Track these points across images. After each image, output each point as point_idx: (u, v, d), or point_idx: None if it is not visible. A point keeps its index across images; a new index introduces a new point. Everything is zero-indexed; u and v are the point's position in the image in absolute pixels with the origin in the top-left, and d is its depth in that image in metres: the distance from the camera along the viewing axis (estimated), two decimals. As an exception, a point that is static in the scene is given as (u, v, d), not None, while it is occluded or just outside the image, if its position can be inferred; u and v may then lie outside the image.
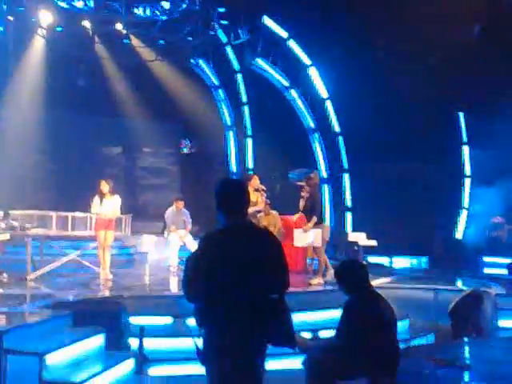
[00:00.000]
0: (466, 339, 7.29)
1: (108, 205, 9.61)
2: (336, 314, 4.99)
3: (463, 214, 15.82)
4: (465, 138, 16.01)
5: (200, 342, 3.57)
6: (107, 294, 8.52)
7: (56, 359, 5.25)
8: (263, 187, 10.39)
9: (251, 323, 3.47)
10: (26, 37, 14.89)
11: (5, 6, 13.87)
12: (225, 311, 3.48)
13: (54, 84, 14.76)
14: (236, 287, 3.48)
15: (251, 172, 16.33)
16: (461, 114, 15.89)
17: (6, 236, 9.68)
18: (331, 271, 9.33)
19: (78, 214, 9.90)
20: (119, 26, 15.05)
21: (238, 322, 3.46)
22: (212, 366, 3.54)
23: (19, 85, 14.84)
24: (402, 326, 7.45)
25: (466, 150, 16.03)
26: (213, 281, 3.50)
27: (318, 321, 7.28)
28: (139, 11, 14.90)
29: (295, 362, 5.02)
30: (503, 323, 8.25)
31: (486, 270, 12.70)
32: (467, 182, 15.95)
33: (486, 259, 13.43)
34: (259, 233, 3.82)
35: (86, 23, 14.90)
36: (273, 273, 3.58)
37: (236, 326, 3.46)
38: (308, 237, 9.65)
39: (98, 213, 9.57)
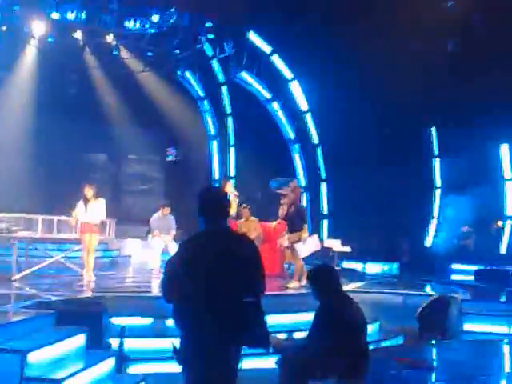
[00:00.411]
0: (432, 341, 7.35)
1: (92, 209, 9.53)
2: (310, 316, 4.99)
3: (433, 223, 15.98)
4: (436, 152, 16.19)
5: (177, 342, 3.56)
6: (90, 294, 8.45)
7: (38, 357, 5.18)
8: (236, 193, 10.42)
9: (226, 325, 3.47)
10: (18, 46, 14.79)
11: (-2, 17, 13.79)
12: (200, 313, 3.47)
13: (45, 92, 14.69)
14: (212, 290, 3.48)
15: (232, 180, 16.39)
16: (433, 129, 16.07)
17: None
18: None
19: (63, 217, 9.80)
20: (109, 38, 15.02)
21: (213, 323, 3.45)
22: (188, 366, 3.55)
23: (11, 92, 14.73)
24: (372, 328, 7.49)
25: (437, 162, 16.21)
26: (189, 283, 3.50)
27: (292, 323, 7.28)
28: (129, 24, 14.89)
29: (269, 362, 5.01)
30: (468, 327, 8.34)
31: (454, 277, 12.80)
32: (437, 192, 16.11)
33: (454, 266, 13.56)
34: (237, 238, 3.84)
35: (78, 34, 14.85)
36: (250, 277, 3.59)
37: (211, 328, 3.45)
38: (309, 245, 9.66)
39: (78, 217, 9.47)
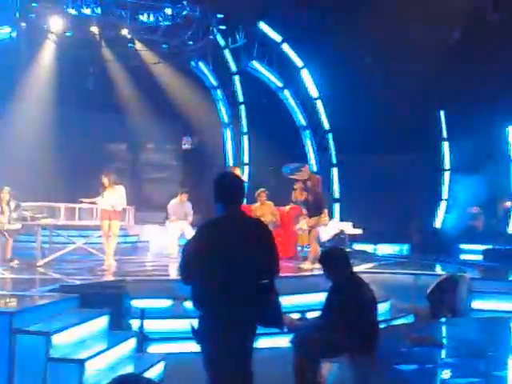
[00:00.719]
0: (442, 320, 7.31)
1: (110, 196, 9.55)
2: (322, 296, 4.99)
3: (442, 205, 15.84)
4: (445, 135, 16.01)
5: (195, 322, 3.58)
6: (111, 278, 8.51)
7: (63, 339, 5.22)
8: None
9: (242, 306, 3.49)
10: (37, 41, 14.83)
11: (18, 14, 13.80)
12: (217, 294, 3.49)
13: (64, 85, 14.71)
14: (228, 272, 3.49)
15: (247, 165, 16.44)
16: (442, 112, 15.88)
17: (18, 226, 9.68)
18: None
19: (84, 205, 9.88)
20: (124, 31, 15.00)
21: (229, 304, 3.48)
22: (206, 346, 3.57)
23: (31, 86, 14.79)
24: (383, 307, 7.48)
25: (445, 145, 16.03)
26: (206, 266, 3.52)
27: (305, 303, 7.28)
28: (143, 17, 14.89)
29: (284, 341, 5.01)
30: (476, 305, 8.28)
31: (463, 257, 12.72)
32: (446, 175, 15.96)
33: (463, 246, 13.46)
34: (251, 222, 3.85)
35: (94, 29, 14.85)
36: (264, 259, 3.61)
37: (228, 309, 3.48)
38: (330, 229, 9.74)
39: (97, 203, 9.53)
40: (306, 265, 9.51)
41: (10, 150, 13.98)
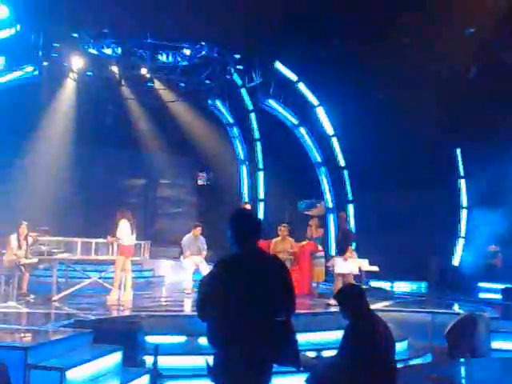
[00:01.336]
0: (461, 359, 7.13)
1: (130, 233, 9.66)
2: (338, 334, 4.91)
3: (460, 243, 15.66)
4: (461, 172, 15.94)
5: (211, 359, 3.55)
6: (125, 314, 8.48)
7: (77, 374, 5.20)
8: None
9: (258, 344, 3.45)
10: (58, 80, 15.21)
11: (40, 53, 14.23)
12: (233, 332, 3.46)
13: (84, 122, 15.00)
14: (245, 309, 3.47)
15: (262, 201, 16.48)
16: (458, 150, 15.86)
17: (35, 260, 9.74)
18: None
19: (100, 239, 9.94)
20: (144, 71, 15.35)
21: (245, 342, 3.44)
22: (221, 383, 3.53)
23: (52, 122, 15.10)
24: (401, 346, 7.33)
25: (462, 183, 15.95)
26: (222, 304, 3.50)
27: (321, 341, 7.17)
28: (162, 57, 15.24)
29: (299, 380, 4.92)
30: (496, 345, 8.08)
31: (482, 295, 12.48)
32: (464, 212, 15.82)
33: (482, 285, 13.22)
34: (269, 259, 3.84)
35: (114, 68, 15.22)
36: (281, 297, 3.59)
37: (243, 347, 3.44)
38: (349, 265, 9.84)
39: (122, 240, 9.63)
40: (333, 300, 9.44)
41: (29, 185, 14.19)
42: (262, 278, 3.54)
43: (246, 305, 3.46)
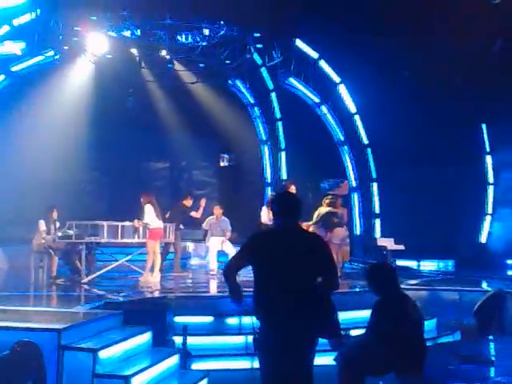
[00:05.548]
0: (489, 337, 7.11)
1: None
2: (366, 313, 4.93)
3: (487, 220, 15.48)
4: (487, 148, 15.70)
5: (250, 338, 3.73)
6: (154, 295, 8.61)
7: (108, 355, 5.31)
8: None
9: (302, 315, 3.57)
10: (79, 63, 15.28)
11: (60, 37, 14.30)
12: (278, 304, 3.59)
13: (104, 105, 15.06)
14: (279, 283, 3.59)
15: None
16: (483, 125, 15.60)
17: (63, 244, 9.93)
18: None
19: (126, 223, 10.09)
20: (163, 52, 15.31)
21: (290, 313, 3.56)
22: (265, 353, 3.67)
23: (73, 107, 15.18)
24: (429, 324, 7.32)
25: (488, 159, 15.72)
26: (265, 272, 3.64)
27: (348, 320, 7.19)
28: (182, 38, 15.15)
29: (328, 359, 4.97)
30: (526, 322, 8.01)
31: (510, 272, 12.37)
32: (490, 189, 15.61)
33: (510, 262, 13.09)
34: (310, 236, 4.05)
35: (134, 50, 15.21)
36: (321, 272, 3.70)
37: (288, 318, 3.56)
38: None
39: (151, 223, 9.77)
40: None
41: (53, 170, 14.38)
42: (299, 253, 3.66)
43: (280, 278, 3.58)
